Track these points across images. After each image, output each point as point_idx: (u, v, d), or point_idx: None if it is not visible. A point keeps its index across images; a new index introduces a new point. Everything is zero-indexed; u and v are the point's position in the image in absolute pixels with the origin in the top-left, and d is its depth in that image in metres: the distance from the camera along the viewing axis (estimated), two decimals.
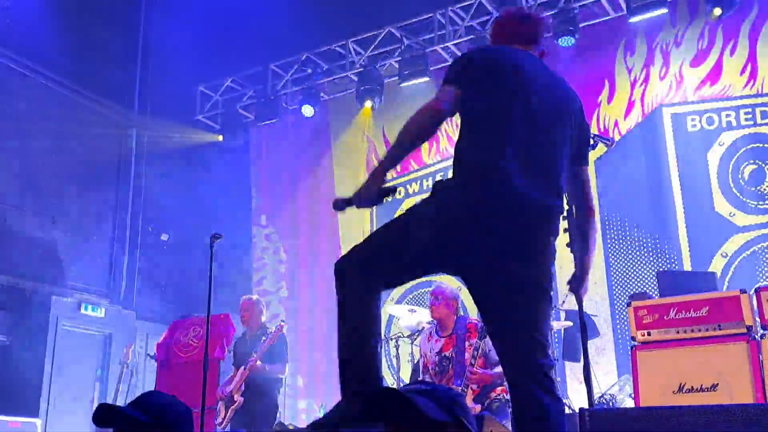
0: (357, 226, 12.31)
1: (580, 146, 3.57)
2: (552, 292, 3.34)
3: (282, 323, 8.37)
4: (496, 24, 3.86)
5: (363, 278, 3.37)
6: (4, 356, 10.18)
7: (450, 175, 3.37)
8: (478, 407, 6.09)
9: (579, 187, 3.69)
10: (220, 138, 13.57)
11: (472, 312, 10.41)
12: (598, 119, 10.36)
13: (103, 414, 2.77)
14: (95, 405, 9.42)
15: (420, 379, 6.67)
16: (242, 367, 8.07)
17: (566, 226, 4.43)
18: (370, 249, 3.43)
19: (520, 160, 3.18)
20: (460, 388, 6.06)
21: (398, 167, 11.70)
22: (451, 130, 11.37)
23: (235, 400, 7.94)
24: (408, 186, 11.97)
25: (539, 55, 3.65)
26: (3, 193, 10.81)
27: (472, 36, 10.85)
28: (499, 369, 6.33)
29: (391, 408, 2.12)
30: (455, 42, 11.14)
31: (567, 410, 7.19)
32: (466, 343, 6.29)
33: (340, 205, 3.38)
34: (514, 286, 3.18)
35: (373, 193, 3.32)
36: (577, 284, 3.87)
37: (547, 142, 3.31)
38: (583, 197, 3.76)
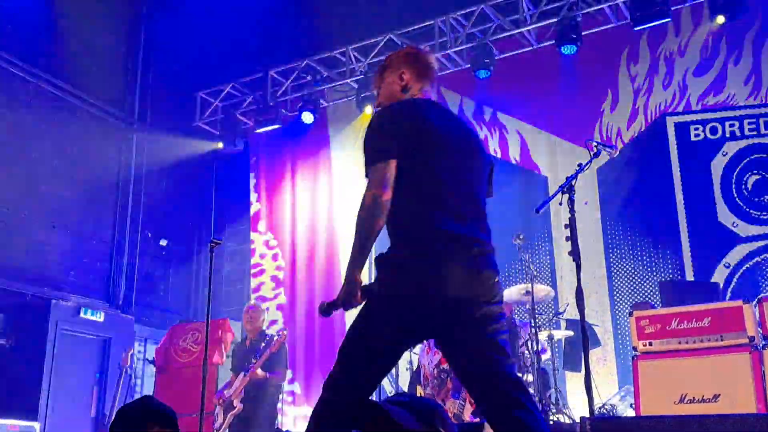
0: None
1: (490, 180, 3.59)
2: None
3: (284, 332, 8.33)
4: (406, 53, 3.75)
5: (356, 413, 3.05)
6: (3, 359, 10.12)
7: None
8: (477, 420, 6.03)
9: None
10: (220, 145, 13.52)
11: None
12: (600, 128, 10.34)
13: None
14: (93, 409, 9.40)
15: (422, 387, 6.62)
16: (242, 373, 8.03)
17: (568, 234, 4.41)
18: (351, 387, 2.97)
19: (456, 218, 3.21)
20: (458, 401, 6.00)
21: None
22: None
23: (235, 405, 7.90)
24: None
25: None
26: (3, 198, 10.77)
27: (473, 43, 10.82)
28: None
29: (367, 418, 2.13)
30: (456, 49, 11.11)
31: (567, 420, 7.17)
32: None
33: (326, 309, 3.21)
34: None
35: (356, 297, 3.16)
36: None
37: (473, 191, 3.39)
38: None
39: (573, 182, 4.48)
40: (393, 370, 8.80)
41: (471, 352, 2.91)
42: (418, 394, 6.89)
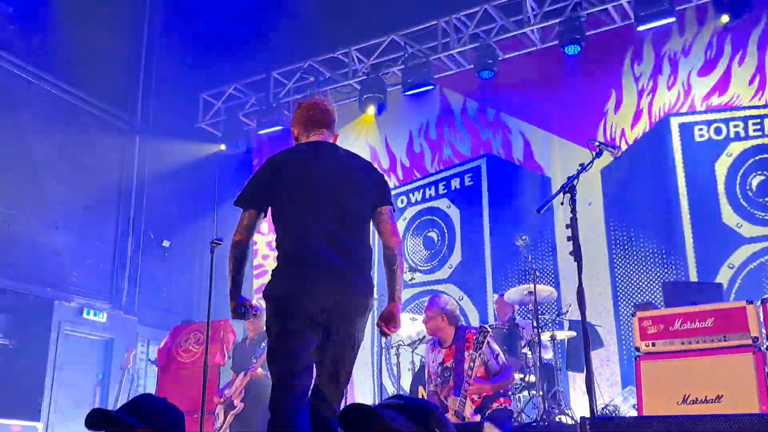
0: None
1: (379, 193, 4.21)
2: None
3: None
4: (295, 111, 4.60)
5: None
6: (6, 360, 10.15)
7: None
8: (478, 417, 6.01)
9: (379, 224, 4.18)
10: (223, 147, 13.52)
11: (473, 321, 10.38)
12: (604, 129, 10.30)
13: (96, 419, 2.71)
14: None
15: (426, 386, 6.61)
16: (242, 373, 8.02)
17: (569, 234, 4.39)
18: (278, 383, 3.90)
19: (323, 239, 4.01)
20: (459, 398, 5.99)
21: (401, 176, 11.76)
22: (455, 139, 11.36)
23: (235, 405, 7.89)
24: (411, 195, 11.92)
25: (334, 138, 4.43)
26: (7, 199, 10.77)
27: (476, 44, 10.78)
28: (499, 379, 6.28)
29: (359, 421, 2.11)
30: (459, 50, 11.09)
31: (569, 420, 7.15)
32: (465, 354, 6.22)
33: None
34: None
35: (234, 312, 4.20)
36: (385, 318, 4.13)
37: (344, 218, 4.07)
38: (383, 233, 4.15)
39: (574, 182, 4.46)
40: (395, 371, 8.79)
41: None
42: (420, 395, 6.87)
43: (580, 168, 4.64)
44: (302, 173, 4.13)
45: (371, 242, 4.19)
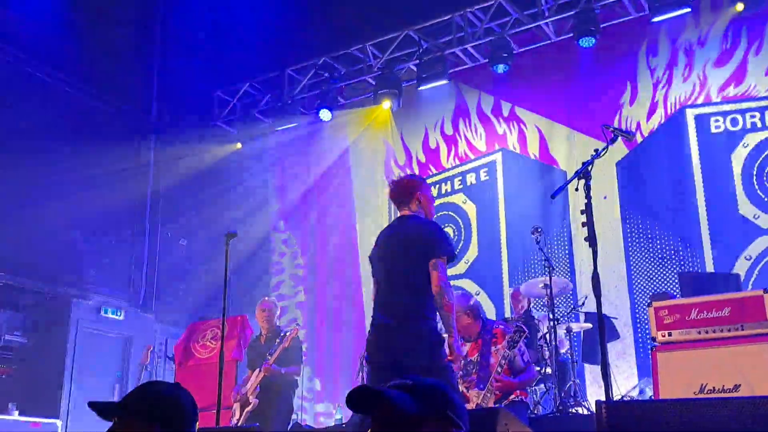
0: (375, 229, 12.25)
1: (426, 250, 4.97)
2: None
3: (296, 327, 8.35)
4: None
5: None
6: (25, 358, 10.22)
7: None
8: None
9: (430, 275, 4.94)
10: (239, 145, 13.56)
11: (490, 315, 10.36)
12: (619, 121, 10.25)
13: (99, 411, 2.74)
14: None
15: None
16: (257, 369, 8.03)
17: (584, 220, 4.37)
18: None
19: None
20: (483, 392, 5.98)
21: (417, 171, 11.75)
22: (470, 134, 11.34)
23: (250, 401, 7.90)
24: None
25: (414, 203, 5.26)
26: (23, 198, 10.84)
27: (491, 38, 10.77)
28: (524, 377, 6.26)
29: (368, 403, 2.10)
30: (474, 44, 11.06)
31: (585, 412, 7.12)
32: (492, 348, 6.20)
33: None
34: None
35: None
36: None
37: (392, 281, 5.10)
38: (431, 283, 4.91)
39: (589, 168, 4.44)
40: None
41: None
42: None
43: (594, 153, 4.61)
44: (376, 248, 5.32)
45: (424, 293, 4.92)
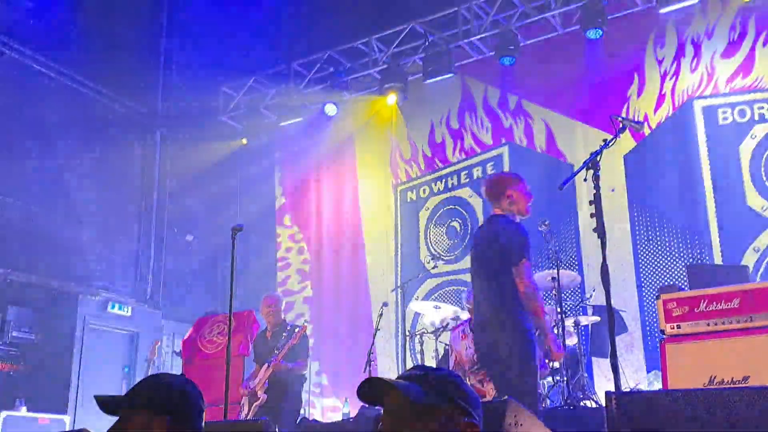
0: (381, 224, 12.27)
1: (509, 254, 5.09)
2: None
3: (306, 323, 8.33)
4: None
5: None
6: (33, 354, 10.23)
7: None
8: None
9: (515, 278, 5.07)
10: (244, 141, 13.56)
11: None
12: (627, 113, 10.18)
13: (101, 405, 2.71)
14: None
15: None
16: (266, 365, 8.01)
17: (592, 211, 4.35)
18: None
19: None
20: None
21: (423, 166, 11.72)
22: (476, 128, 11.31)
23: (259, 396, 7.88)
24: (433, 184, 11.88)
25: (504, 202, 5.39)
26: (30, 194, 10.87)
27: (497, 30, 10.72)
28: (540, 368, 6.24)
29: (379, 393, 2.11)
30: (480, 37, 11.01)
31: (594, 405, 7.09)
32: None
33: None
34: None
35: None
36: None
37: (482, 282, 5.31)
38: (518, 289, 5.04)
39: (598, 158, 4.41)
40: (419, 358, 8.77)
41: None
42: None
43: (603, 144, 4.58)
44: (471, 248, 5.55)
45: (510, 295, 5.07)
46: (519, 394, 4.44)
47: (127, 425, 2.64)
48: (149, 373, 9.80)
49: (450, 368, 6.64)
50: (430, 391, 2.06)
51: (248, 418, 7.87)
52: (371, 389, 2.11)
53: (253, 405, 7.89)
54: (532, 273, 5.11)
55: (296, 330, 8.08)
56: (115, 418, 2.70)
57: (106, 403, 2.70)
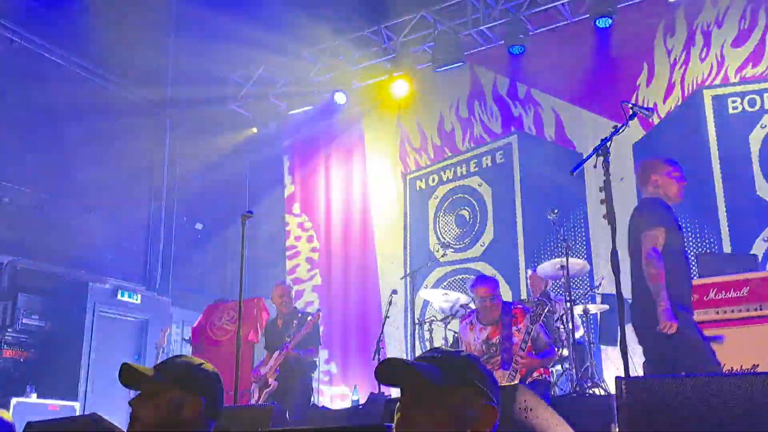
0: (390, 212, 12.27)
1: (638, 225, 5.27)
2: None
3: (319, 312, 8.35)
4: None
5: None
6: (43, 341, 10.28)
7: None
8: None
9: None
10: (254, 130, 13.57)
11: (506, 298, 10.34)
12: (636, 102, 10.16)
13: (125, 374, 2.69)
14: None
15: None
16: (277, 352, 8.04)
17: (602, 197, 4.35)
18: None
19: None
20: (508, 372, 5.98)
21: (432, 154, 11.73)
22: (486, 117, 11.30)
23: (270, 383, 7.91)
24: (442, 173, 11.88)
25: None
26: (40, 182, 10.91)
27: (506, 19, 10.70)
28: (547, 355, 6.25)
29: (396, 376, 2.11)
30: (489, 26, 10.99)
31: (603, 393, 7.11)
32: (513, 329, 6.19)
33: None
34: None
35: None
36: None
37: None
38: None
39: (608, 144, 4.41)
40: (427, 346, 8.80)
41: None
42: None
43: (613, 130, 4.59)
44: None
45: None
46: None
47: (157, 399, 2.63)
48: (158, 360, 9.86)
49: None
50: (449, 373, 2.07)
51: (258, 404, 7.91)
52: (389, 370, 2.11)
53: (264, 392, 7.93)
54: (654, 241, 5.11)
55: (308, 318, 8.11)
56: (122, 391, 2.67)
57: (133, 374, 2.66)
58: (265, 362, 8.27)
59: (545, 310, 6.17)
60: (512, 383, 5.85)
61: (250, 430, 4.16)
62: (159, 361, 2.85)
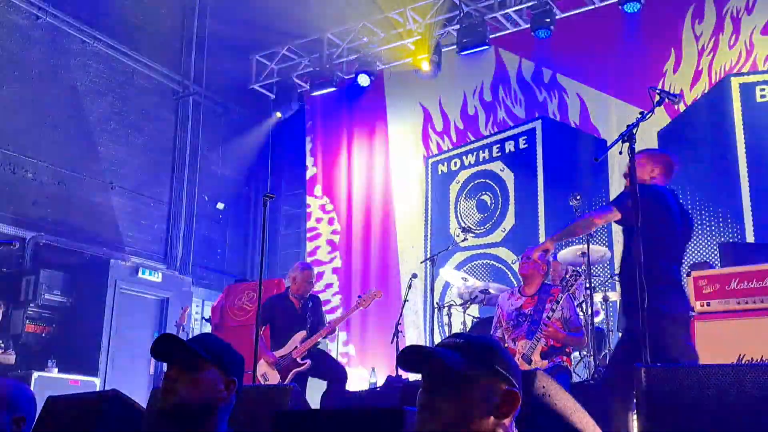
0: (411, 196, 12.25)
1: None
2: None
3: (377, 293, 8.25)
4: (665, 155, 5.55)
5: None
6: (65, 316, 10.37)
7: None
8: (545, 363, 5.96)
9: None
10: (279, 115, 13.56)
11: None
12: (662, 89, 10.05)
13: (163, 345, 2.69)
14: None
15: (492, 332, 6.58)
16: (304, 333, 7.85)
17: (626, 184, 4.30)
18: None
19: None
20: (531, 342, 5.96)
21: (455, 138, 11.68)
22: (510, 101, 11.23)
23: (300, 363, 7.76)
24: (464, 157, 11.84)
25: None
26: (63, 159, 10.98)
27: (533, 2, 10.61)
28: (575, 335, 6.19)
29: (419, 362, 2.12)
30: (515, 9, 10.92)
31: None
32: (547, 305, 6.16)
33: None
34: None
35: None
36: None
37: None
38: None
39: (634, 130, 4.35)
40: (446, 331, 8.79)
41: None
42: None
43: (640, 116, 4.52)
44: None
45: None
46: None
47: (197, 375, 2.65)
48: None
49: (493, 324, 6.63)
50: (471, 359, 2.06)
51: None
52: (412, 357, 2.11)
53: (292, 371, 7.73)
54: (603, 213, 5.21)
55: (319, 300, 8.14)
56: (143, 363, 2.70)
57: (177, 345, 2.67)
58: (284, 345, 8.05)
59: (578, 281, 6.13)
60: (534, 369, 5.84)
61: (269, 410, 4.16)
62: (206, 333, 2.87)
